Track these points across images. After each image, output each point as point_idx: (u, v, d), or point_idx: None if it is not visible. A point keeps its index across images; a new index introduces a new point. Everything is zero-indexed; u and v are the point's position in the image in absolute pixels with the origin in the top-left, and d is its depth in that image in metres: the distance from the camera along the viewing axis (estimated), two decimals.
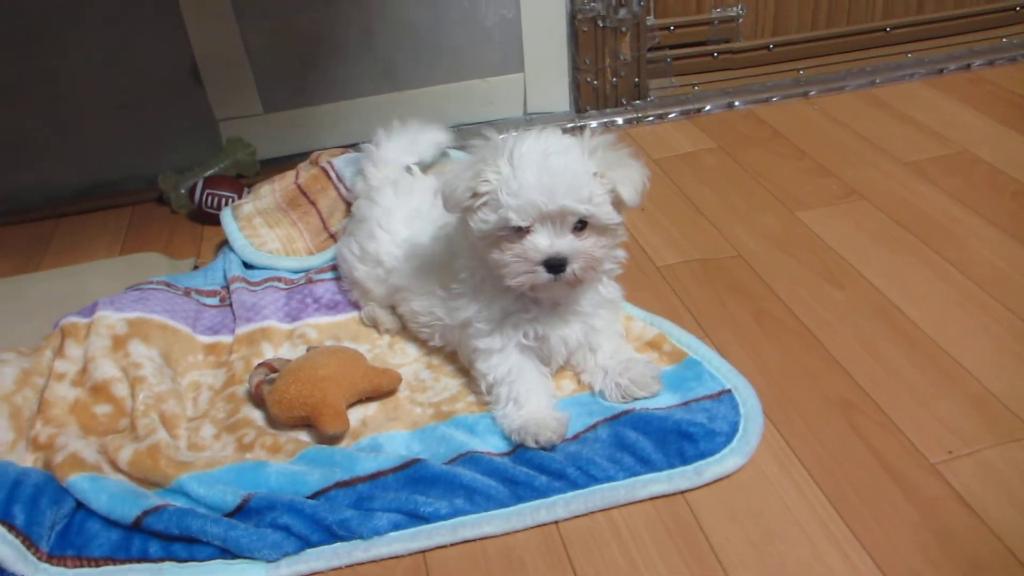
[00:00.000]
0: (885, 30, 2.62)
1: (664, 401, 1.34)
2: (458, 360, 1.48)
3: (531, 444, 1.27)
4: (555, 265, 1.24)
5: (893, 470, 1.22)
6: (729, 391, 1.34)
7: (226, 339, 1.60)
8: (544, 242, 1.24)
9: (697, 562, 1.11)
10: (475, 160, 1.30)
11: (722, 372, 1.37)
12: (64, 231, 2.17)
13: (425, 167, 1.74)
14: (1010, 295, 1.55)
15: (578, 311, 1.38)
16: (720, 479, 1.22)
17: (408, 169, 1.67)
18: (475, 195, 1.27)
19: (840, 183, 1.97)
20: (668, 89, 2.51)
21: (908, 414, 1.31)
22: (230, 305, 1.66)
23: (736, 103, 2.43)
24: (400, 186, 1.61)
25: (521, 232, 1.25)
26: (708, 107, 2.42)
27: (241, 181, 2.13)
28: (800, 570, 1.09)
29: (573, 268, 1.24)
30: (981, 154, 2.04)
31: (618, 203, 1.28)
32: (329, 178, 1.86)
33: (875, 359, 1.43)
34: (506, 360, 1.35)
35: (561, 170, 1.22)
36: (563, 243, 1.24)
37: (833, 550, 1.11)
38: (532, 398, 1.32)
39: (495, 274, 1.29)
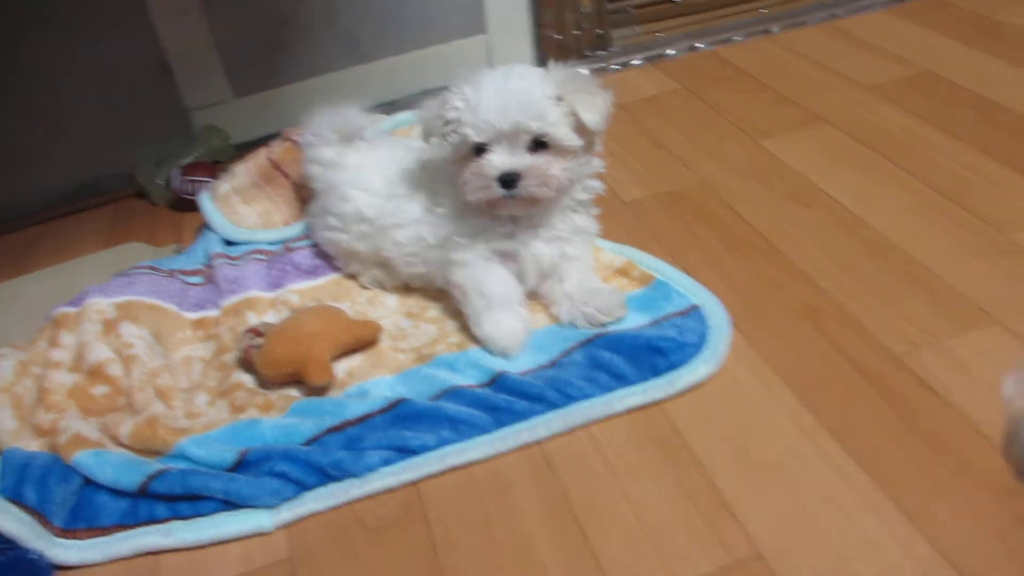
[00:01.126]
0: None
1: (635, 322, 1.39)
2: (436, 305, 1.53)
3: (497, 352, 1.36)
4: (508, 180, 1.32)
5: (858, 364, 1.26)
6: (697, 306, 1.38)
7: (212, 313, 1.63)
8: (499, 159, 1.32)
9: (676, 464, 1.16)
10: (446, 93, 1.39)
11: (689, 290, 1.42)
12: (51, 235, 2.19)
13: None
14: (970, 199, 1.59)
15: (554, 235, 1.43)
16: (693, 387, 1.26)
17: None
18: (445, 123, 1.36)
19: (802, 110, 2.01)
20: (631, 38, 2.53)
21: (872, 313, 1.35)
22: (213, 281, 1.70)
23: (699, 45, 2.46)
24: (360, 147, 1.65)
25: (482, 153, 1.33)
26: (671, 52, 2.44)
27: (217, 167, 2.16)
28: (773, 460, 1.14)
29: (527, 185, 1.32)
30: (943, 73, 2.07)
31: (581, 128, 1.34)
32: (301, 149, 1.89)
33: (840, 268, 1.47)
34: (481, 270, 1.41)
35: (517, 91, 1.32)
36: (517, 160, 1.32)
37: (803, 439, 1.16)
38: (501, 308, 1.38)
39: (462, 196, 1.37)
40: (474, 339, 1.42)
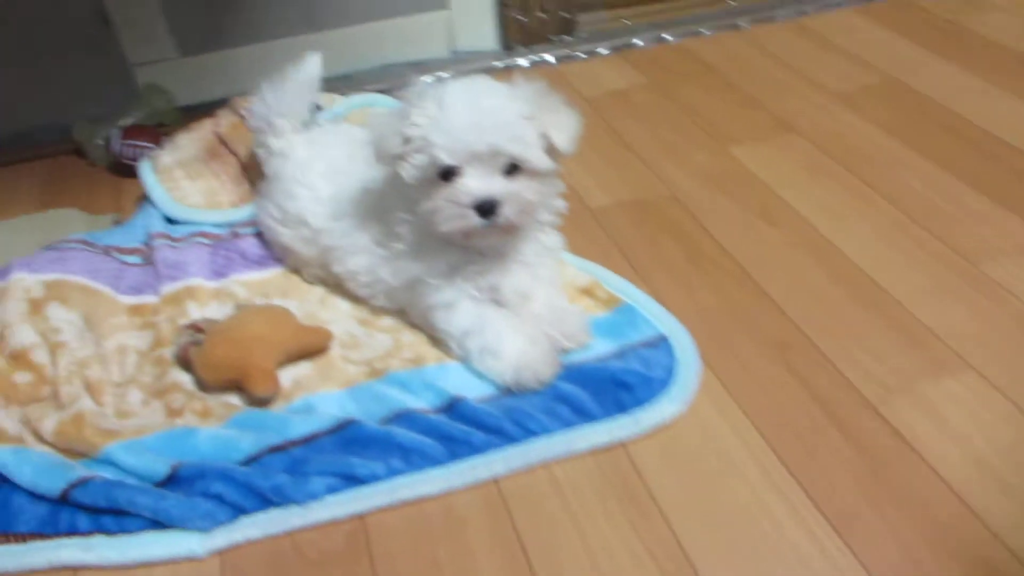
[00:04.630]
0: None
1: (599, 350, 1.32)
2: (391, 314, 1.44)
3: (535, 387, 1.25)
4: (486, 208, 1.21)
5: (829, 408, 1.22)
6: (664, 337, 1.32)
7: (150, 299, 1.54)
8: (474, 184, 1.21)
9: (637, 510, 1.11)
10: (403, 106, 1.27)
11: (657, 317, 1.36)
12: None
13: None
14: (942, 227, 1.56)
15: (523, 261, 1.35)
16: (658, 427, 1.21)
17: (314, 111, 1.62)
18: (405, 140, 1.24)
19: (770, 116, 1.96)
20: (598, 24, 2.46)
21: (844, 351, 1.31)
22: (153, 263, 1.60)
23: (667, 37, 2.39)
24: (313, 138, 1.55)
25: (451, 177, 1.22)
26: (639, 42, 2.38)
27: (160, 131, 2.04)
28: (738, 511, 1.09)
29: (506, 212, 1.22)
30: (911, 83, 2.04)
31: (551, 150, 1.26)
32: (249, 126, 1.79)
33: (810, 296, 1.43)
34: (466, 312, 1.31)
35: (491, 109, 1.21)
36: (494, 185, 1.21)
37: (770, 490, 1.11)
38: (505, 343, 1.28)
39: (430, 226, 1.26)
40: (431, 354, 1.35)
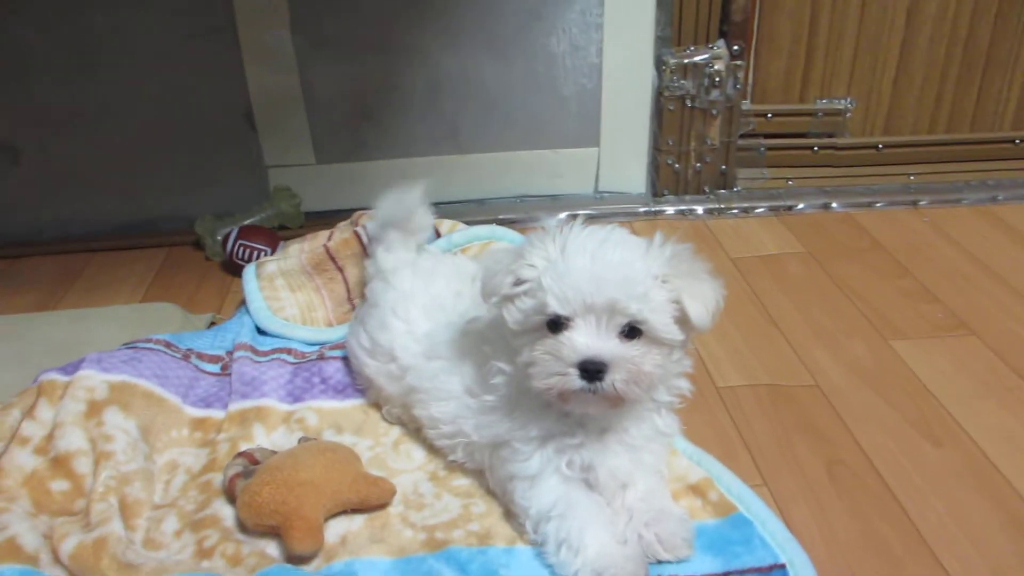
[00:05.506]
0: (1013, 142, 2.34)
1: (700, 567, 1.07)
2: (468, 474, 1.26)
3: None
4: (591, 370, 1.02)
5: None
6: (783, 566, 1.06)
7: (217, 414, 1.41)
8: (582, 340, 1.03)
9: None
10: (522, 245, 1.13)
11: (777, 540, 1.10)
12: (95, 267, 2.06)
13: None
14: None
15: (627, 442, 1.15)
16: None
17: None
18: (517, 281, 1.09)
19: (946, 312, 1.71)
20: (758, 181, 2.28)
21: None
22: (230, 374, 1.48)
23: (833, 204, 2.19)
24: (419, 268, 1.41)
25: (559, 329, 1.05)
26: (801, 205, 2.19)
27: (278, 234, 1.97)
28: None
29: (613, 379, 1.02)
30: None
31: (683, 320, 1.07)
32: (361, 243, 1.68)
33: (975, 547, 1.15)
34: (550, 489, 1.11)
35: (617, 262, 1.04)
36: (605, 345, 1.03)
37: None
38: (588, 536, 1.06)
39: (526, 381, 1.08)
40: (501, 532, 1.15)
